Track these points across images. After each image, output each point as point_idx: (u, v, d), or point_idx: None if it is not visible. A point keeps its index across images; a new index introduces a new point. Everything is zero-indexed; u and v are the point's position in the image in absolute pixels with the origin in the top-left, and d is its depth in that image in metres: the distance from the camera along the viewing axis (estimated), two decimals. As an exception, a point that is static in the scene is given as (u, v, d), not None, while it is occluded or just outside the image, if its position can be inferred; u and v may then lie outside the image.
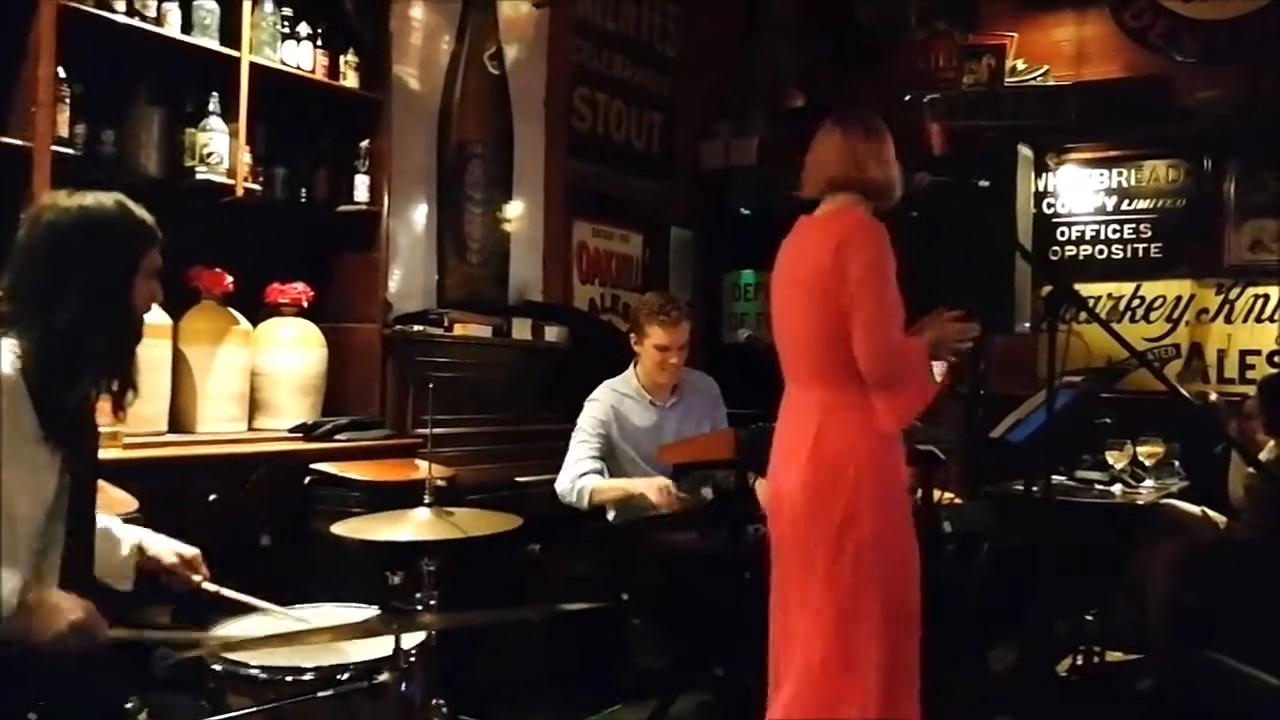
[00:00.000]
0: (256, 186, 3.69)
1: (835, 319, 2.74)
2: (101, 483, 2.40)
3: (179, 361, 3.53)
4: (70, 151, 3.17)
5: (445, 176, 4.67)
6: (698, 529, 3.64)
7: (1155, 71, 6.15)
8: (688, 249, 6.19)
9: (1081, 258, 6.38)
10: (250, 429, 3.77)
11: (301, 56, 3.82)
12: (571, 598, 2.40)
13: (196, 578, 2.33)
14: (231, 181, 3.56)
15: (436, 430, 3.12)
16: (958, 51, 6.64)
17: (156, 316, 3.33)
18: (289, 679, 2.08)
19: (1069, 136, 6.32)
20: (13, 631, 1.91)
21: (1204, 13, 6.06)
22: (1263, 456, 4.50)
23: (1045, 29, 6.50)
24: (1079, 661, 4.39)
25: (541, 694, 3.84)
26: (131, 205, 2.16)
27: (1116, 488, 4.60)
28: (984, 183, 3.50)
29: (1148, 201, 6.23)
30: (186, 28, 3.46)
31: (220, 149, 3.52)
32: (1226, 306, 5.99)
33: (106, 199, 2.13)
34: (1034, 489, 3.32)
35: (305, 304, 3.93)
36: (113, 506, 2.49)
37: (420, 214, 4.54)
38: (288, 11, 3.78)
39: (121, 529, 2.35)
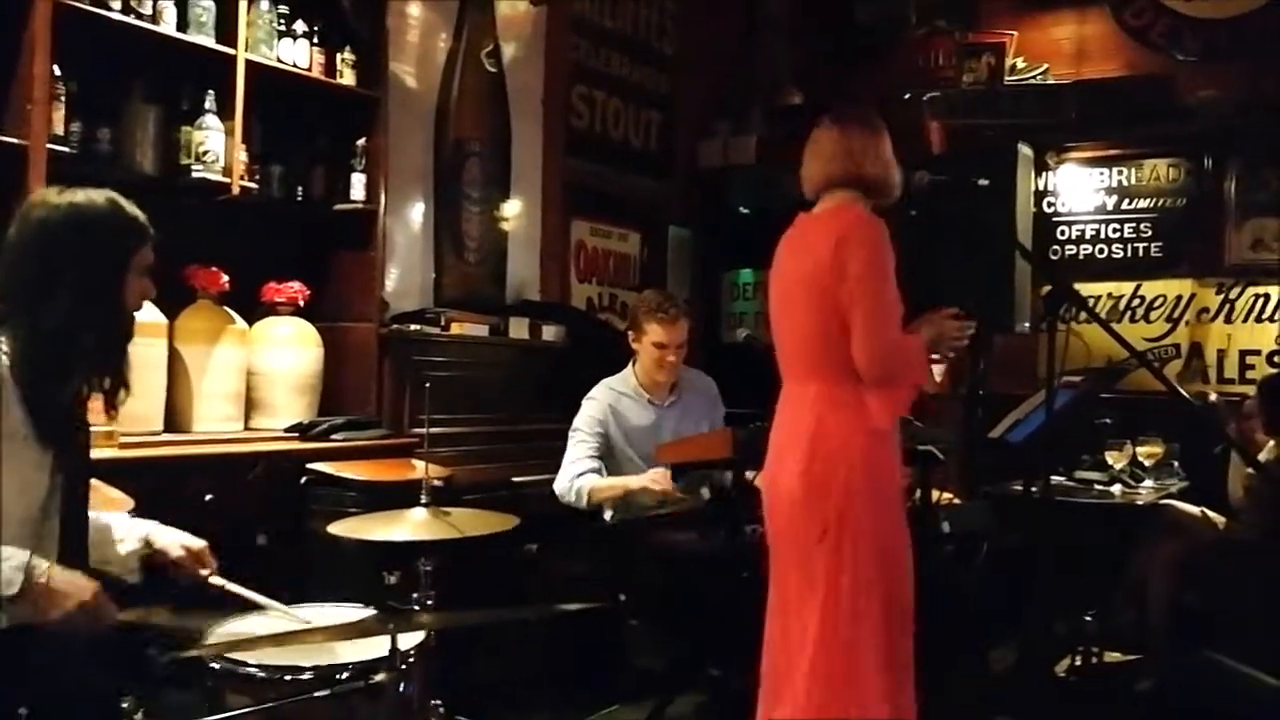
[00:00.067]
0: (253, 185, 3.67)
1: (833, 316, 2.73)
2: (97, 482, 2.39)
3: (175, 361, 3.52)
4: (66, 149, 3.16)
5: (442, 175, 4.66)
6: (696, 529, 3.64)
7: (1156, 70, 6.14)
8: (686, 248, 6.18)
9: (1081, 257, 6.37)
10: (246, 428, 3.76)
11: (298, 54, 3.81)
12: (569, 598, 2.39)
13: (203, 571, 2.33)
14: (228, 180, 3.55)
15: (433, 430, 3.11)
16: (957, 50, 6.63)
17: (152, 315, 3.33)
18: (287, 678, 2.07)
19: (1069, 135, 6.31)
20: (20, 612, 1.91)
21: (1205, 11, 6.05)
22: (1262, 457, 4.49)
23: (1045, 27, 6.50)
24: (1078, 662, 4.39)
25: (539, 694, 3.84)
26: (123, 202, 2.15)
27: (1116, 488, 4.59)
28: (984, 181, 3.49)
29: (1148, 201, 6.22)
30: (182, 25, 3.45)
31: (216, 147, 3.51)
32: (1227, 306, 5.98)
33: (97, 196, 2.13)
34: (1033, 489, 3.31)
35: (301, 303, 3.92)
36: (108, 506, 2.48)
37: (417, 212, 4.53)
38: (284, 9, 3.77)
39: (128, 522, 2.35)
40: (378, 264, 4.10)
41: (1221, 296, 6.01)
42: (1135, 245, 6.26)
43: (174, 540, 2.33)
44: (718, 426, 4.05)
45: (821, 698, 2.69)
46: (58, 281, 2.03)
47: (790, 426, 2.85)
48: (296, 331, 3.89)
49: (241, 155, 3.60)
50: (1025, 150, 4.19)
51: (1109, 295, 6.24)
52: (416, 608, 2.33)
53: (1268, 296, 5.88)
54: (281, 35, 3.76)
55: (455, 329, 4.37)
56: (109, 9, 3.24)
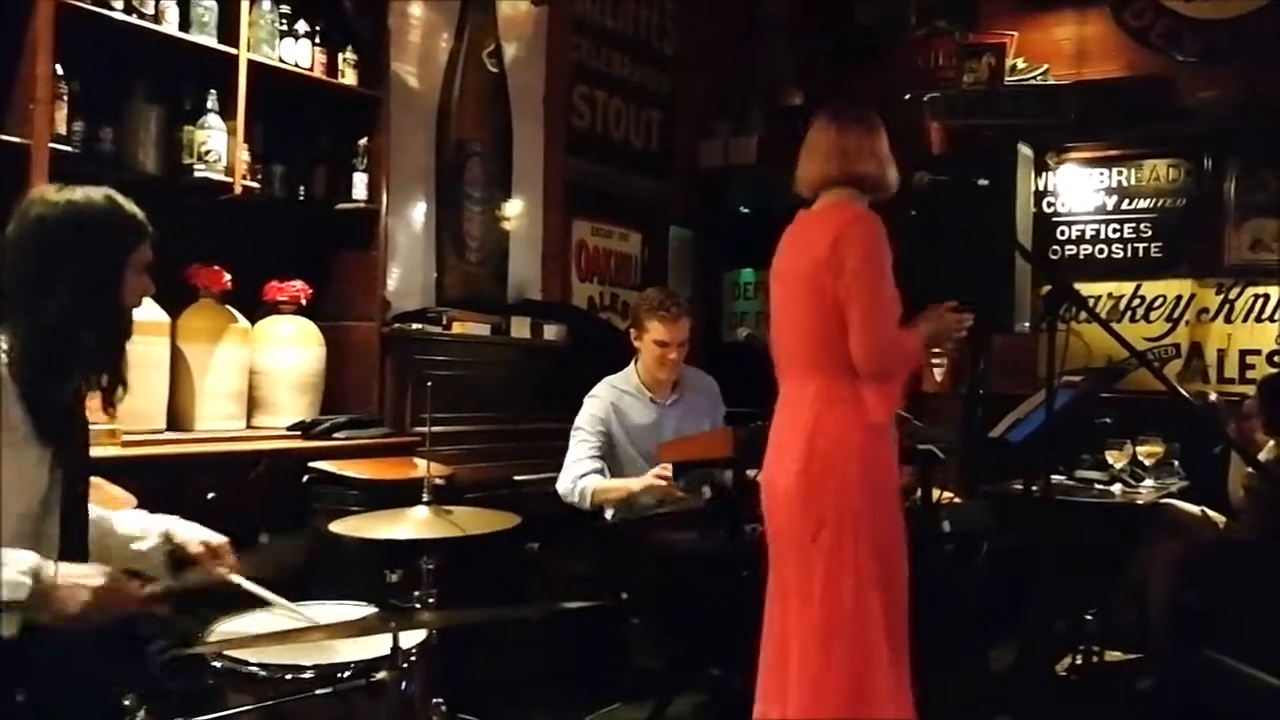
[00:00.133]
0: (255, 184, 3.68)
1: (831, 312, 2.75)
2: (100, 480, 2.40)
3: (177, 359, 3.52)
4: (68, 149, 3.16)
5: (444, 174, 4.67)
6: (696, 529, 3.64)
7: (1156, 71, 6.14)
8: (687, 248, 6.19)
9: (1081, 257, 6.38)
10: (249, 427, 3.76)
11: (300, 54, 3.82)
12: (570, 597, 2.40)
13: (221, 569, 2.33)
14: (230, 179, 3.56)
15: (435, 428, 3.11)
16: (957, 50, 6.63)
17: (155, 314, 3.34)
18: (288, 677, 2.07)
19: (1069, 135, 6.31)
20: (32, 615, 1.89)
21: (1205, 12, 6.05)
22: (1262, 456, 4.49)
23: (1045, 28, 6.50)
24: (1078, 661, 4.39)
25: (541, 693, 3.84)
26: (121, 200, 2.15)
27: (1116, 487, 4.59)
28: (984, 182, 3.49)
29: (1148, 201, 6.23)
30: (185, 25, 3.45)
31: (218, 147, 3.52)
32: (1226, 306, 5.98)
33: (96, 194, 2.12)
34: (1033, 489, 3.31)
35: (304, 302, 3.92)
36: (111, 504, 2.48)
37: (419, 212, 4.54)
38: (286, 9, 3.77)
39: (146, 519, 2.35)
40: (379, 263, 4.10)
41: (1221, 297, 6.01)
42: (1135, 245, 6.26)
43: (194, 535, 2.33)
44: (719, 426, 4.06)
45: (829, 697, 2.69)
46: (56, 279, 2.03)
47: (789, 423, 2.86)
48: (298, 330, 3.90)
49: (243, 155, 3.60)
50: (1025, 150, 4.18)
51: (1109, 295, 6.25)
52: (418, 606, 2.34)
53: (1267, 296, 5.88)
54: (283, 35, 3.77)
55: (457, 328, 4.38)
56: (111, 9, 3.25)
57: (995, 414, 4.61)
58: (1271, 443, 4.52)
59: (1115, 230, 6.31)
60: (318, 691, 2.05)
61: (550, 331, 4.82)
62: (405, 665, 2.11)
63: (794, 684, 2.74)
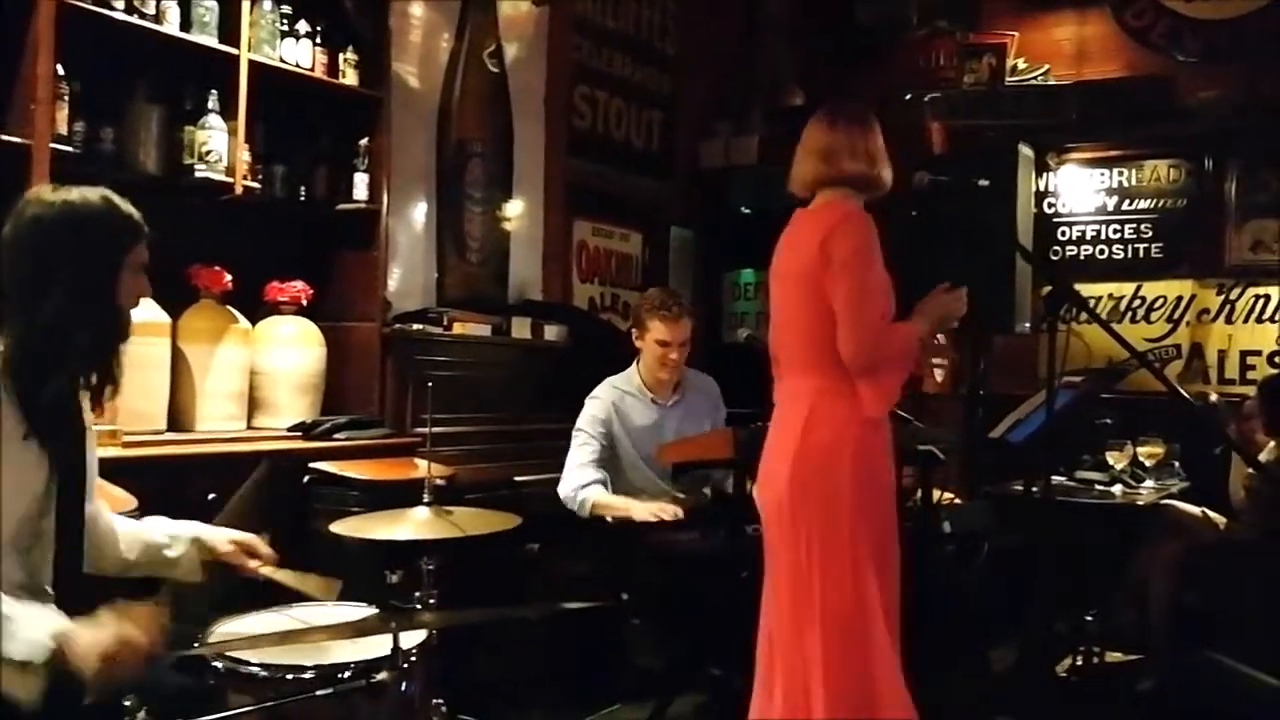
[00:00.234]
0: (255, 184, 3.68)
1: (822, 309, 2.78)
2: (101, 481, 2.39)
3: (178, 360, 3.52)
4: (69, 149, 3.16)
5: (445, 175, 4.67)
6: (697, 529, 3.64)
7: (1156, 71, 6.14)
8: (687, 248, 6.18)
9: (1082, 258, 6.38)
10: (249, 428, 3.76)
11: (300, 54, 3.82)
12: (571, 597, 2.40)
13: (254, 563, 2.34)
14: (230, 179, 3.55)
15: (436, 429, 3.11)
16: (958, 50, 6.63)
17: (155, 315, 3.34)
18: (289, 677, 2.07)
19: (1069, 136, 6.31)
20: (61, 677, 1.83)
21: (1205, 12, 6.05)
22: (1263, 457, 4.50)
23: (1046, 28, 6.50)
24: (1079, 662, 4.39)
25: (541, 693, 3.84)
26: (117, 200, 2.14)
27: (1117, 488, 4.59)
28: (984, 182, 3.49)
29: (1148, 201, 6.23)
30: (185, 25, 3.45)
31: (219, 147, 3.52)
32: (1227, 307, 5.98)
33: (92, 194, 2.12)
34: (1034, 489, 3.31)
35: (304, 302, 3.92)
36: (112, 505, 2.48)
37: (420, 212, 4.54)
38: (287, 9, 3.77)
39: (173, 526, 2.36)
40: (380, 264, 4.10)
41: (1222, 297, 6.01)
42: (1136, 246, 6.26)
43: (222, 536, 2.35)
44: (719, 427, 4.06)
45: (836, 695, 2.69)
46: (51, 279, 2.02)
47: (785, 420, 2.89)
48: (299, 331, 3.90)
49: (244, 155, 3.60)
50: (1026, 151, 4.19)
51: (1109, 296, 6.25)
52: (418, 606, 2.34)
53: (1268, 297, 5.88)
54: (284, 35, 3.77)
55: (457, 329, 4.37)
56: (112, 9, 3.25)
57: (996, 415, 4.60)
58: (1272, 443, 4.52)
59: (1116, 231, 6.31)
60: (318, 692, 2.05)
61: (551, 332, 4.81)
62: (405, 666, 2.11)
63: (787, 682, 2.75)
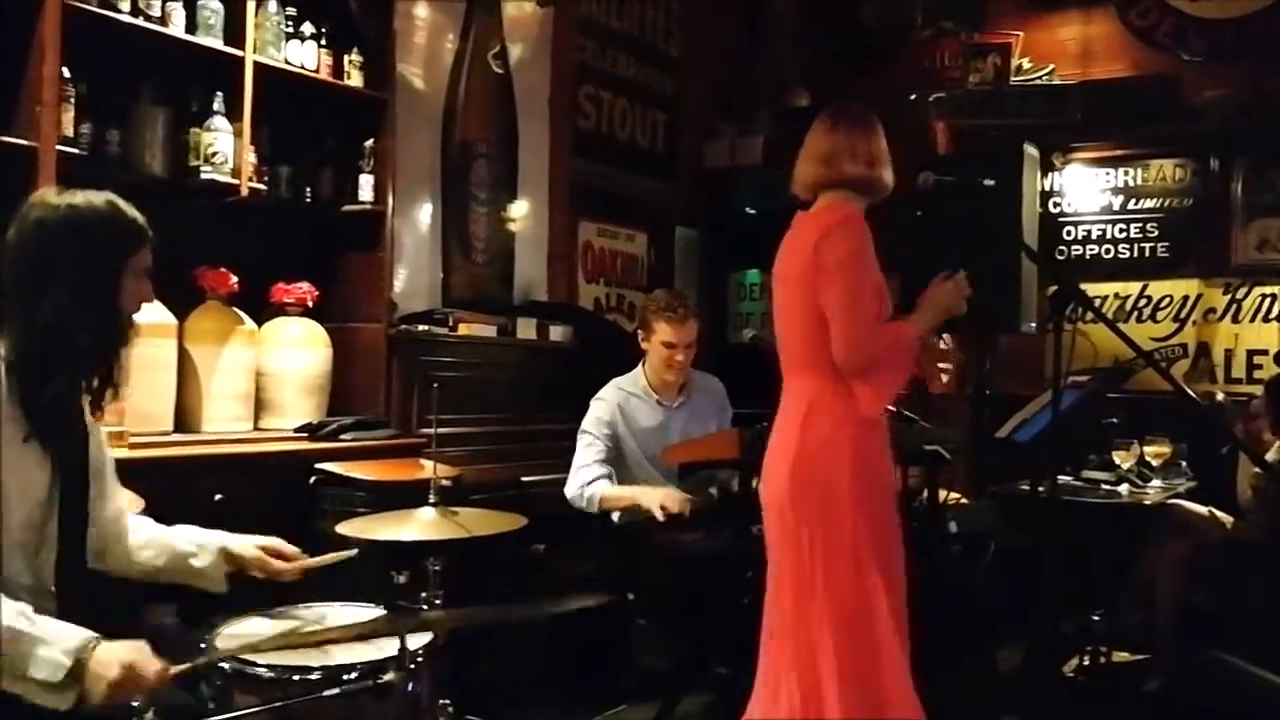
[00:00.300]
0: (261, 186, 3.69)
1: (817, 310, 2.79)
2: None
3: (184, 361, 3.53)
4: (75, 151, 3.17)
5: (450, 176, 4.67)
6: (703, 529, 3.64)
7: (1161, 70, 6.13)
8: (692, 249, 6.18)
9: (1088, 257, 6.37)
10: (255, 429, 3.77)
11: (306, 56, 3.82)
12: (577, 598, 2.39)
13: (278, 565, 2.35)
14: (236, 181, 3.56)
15: (441, 430, 3.11)
16: (963, 50, 6.62)
17: (162, 316, 3.34)
18: (296, 678, 2.07)
19: (1075, 136, 6.30)
20: (80, 696, 1.85)
21: (1210, 11, 6.04)
22: (1270, 456, 4.49)
23: (1051, 28, 6.49)
24: (1086, 662, 4.38)
25: (547, 694, 3.84)
26: (122, 204, 2.14)
27: (1123, 488, 4.58)
28: (989, 182, 3.48)
29: (1154, 201, 6.22)
30: (191, 27, 3.46)
31: (225, 149, 3.52)
32: (1234, 306, 5.97)
33: (96, 198, 2.12)
34: (1040, 489, 3.31)
35: (310, 304, 3.93)
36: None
37: (425, 213, 4.54)
38: (292, 11, 3.78)
39: (200, 535, 2.37)
40: (386, 265, 4.11)
41: (1228, 296, 6.00)
42: (1141, 245, 6.25)
43: (248, 542, 2.36)
44: (725, 428, 4.05)
45: (853, 686, 2.69)
46: (53, 281, 2.03)
47: (785, 419, 2.90)
48: (305, 332, 3.90)
49: (250, 157, 3.60)
50: (1031, 151, 4.17)
51: (1115, 295, 6.23)
52: (425, 607, 2.34)
53: (1275, 296, 5.86)
54: (289, 37, 3.77)
55: (463, 329, 4.38)
56: (118, 11, 3.25)
57: (1002, 414, 4.60)
58: (1279, 443, 4.51)
59: (1121, 230, 6.30)
60: (325, 693, 2.05)
61: (556, 333, 4.82)
62: (412, 666, 2.11)
63: (801, 682, 2.75)
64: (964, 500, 4.40)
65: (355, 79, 3.99)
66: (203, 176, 3.50)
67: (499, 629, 3.32)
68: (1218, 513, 4.63)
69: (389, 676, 2.08)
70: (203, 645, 2.11)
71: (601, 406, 3.99)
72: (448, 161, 4.66)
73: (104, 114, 3.32)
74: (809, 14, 6.75)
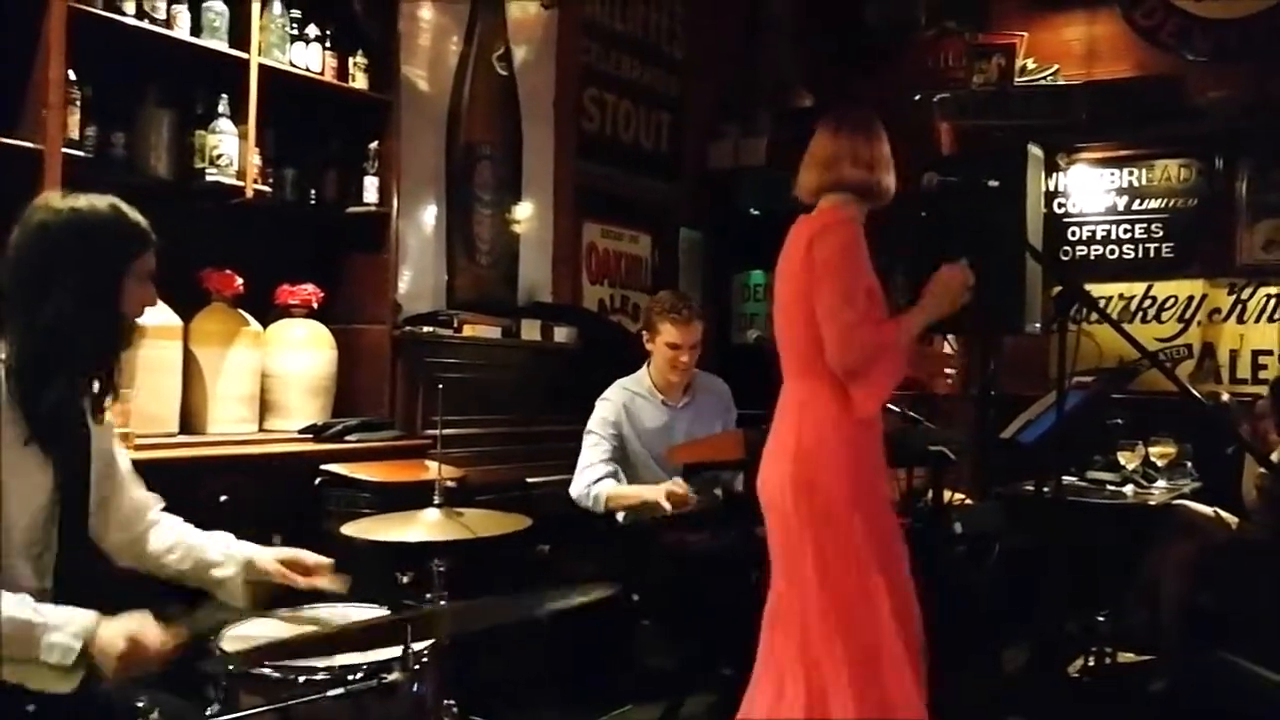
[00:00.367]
0: (266, 188, 3.69)
1: (810, 311, 2.79)
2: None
3: (190, 363, 3.53)
4: (80, 154, 3.17)
5: (454, 178, 4.67)
6: (707, 530, 3.64)
7: (1166, 71, 6.13)
8: (696, 250, 6.18)
9: (1092, 258, 6.37)
10: (260, 430, 3.77)
11: (310, 58, 3.83)
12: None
13: (299, 580, 2.36)
14: (241, 183, 3.57)
15: (446, 431, 3.12)
16: (967, 51, 6.62)
17: (167, 318, 3.35)
18: (301, 678, 2.07)
19: (1079, 136, 6.31)
20: (94, 672, 1.89)
21: (1215, 12, 6.04)
22: (1275, 457, 4.48)
23: (1055, 28, 6.49)
24: (1091, 662, 4.38)
25: (552, 695, 3.84)
26: (125, 208, 2.15)
27: (1128, 488, 4.58)
28: (994, 182, 3.49)
29: (1159, 201, 6.22)
30: (196, 30, 3.47)
31: (230, 151, 3.53)
32: (1239, 306, 5.97)
33: (100, 201, 2.12)
34: (1045, 490, 3.32)
35: (315, 305, 3.93)
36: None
37: (429, 215, 4.54)
38: (296, 13, 3.79)
39: (225, 546, 2.38)
40: (390, 266, 4.12)
41: (1233, 297, 6.00)
42: (1146, 246, 6.25)
43: (271, 556, 2.37)
44: (730, 429, 4.06)
45: (861, 688, 2.69)
46: (55, 284, 2.03)
47: (782, 420, 2.91)
48: (310, 334, 3.91)
49: (255, 159, 3.61)
50: (1035, 151, 4.18)
51: (1120, 296, 6.24)
52: (429, 608, 2.34)
53: (1280, 296, 5.87)
54: (294, 39, 3.78)
55: (467, 331, 4.38)
56: (123, 14, 3.26)
57: (1007, 415, 4.60)
58: (1285, 443, 4.51)
59: (1126, 231, 6.30)
60: (330, 693, 2.05)
61: (561, 334, 4.82)
62: (417, 667, 2.11)
63: (807, 682, 2.75)
64: (969, 501, 4.40)
65: (360, 81, 3.99)
66: (208, 179, 3.51)
67: (504, 629, 3.32)
68: (1223, 513, 4.63)
69: (394, 676, 2.08)
70: (213, 648, 2.12)
71: (607, 406, 4.00)
72: (452, 163, 4.66)
73: (109, 116, 3.33)
74: (811, 15, 6.75)
